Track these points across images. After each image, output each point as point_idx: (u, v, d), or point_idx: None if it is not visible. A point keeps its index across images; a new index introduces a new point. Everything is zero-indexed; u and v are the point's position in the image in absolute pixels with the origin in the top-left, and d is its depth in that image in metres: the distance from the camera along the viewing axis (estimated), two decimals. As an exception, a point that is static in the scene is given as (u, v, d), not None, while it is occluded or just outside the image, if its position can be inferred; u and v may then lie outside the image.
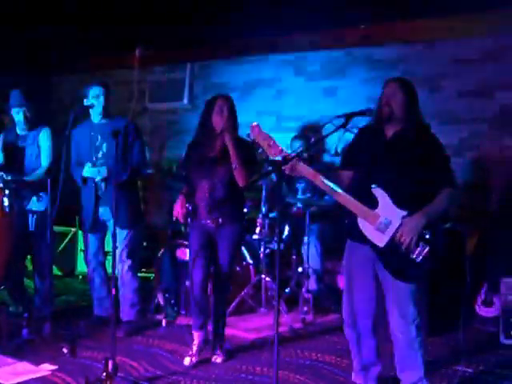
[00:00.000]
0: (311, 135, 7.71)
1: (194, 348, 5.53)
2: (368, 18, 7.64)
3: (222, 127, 5.31)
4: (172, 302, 6.78)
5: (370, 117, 4.46)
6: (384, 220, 4.36)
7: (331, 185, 4.41)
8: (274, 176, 6.52)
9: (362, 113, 4.35)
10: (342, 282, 7.46)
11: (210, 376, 5.22)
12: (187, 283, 6.48)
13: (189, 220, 5.56)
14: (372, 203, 4.39)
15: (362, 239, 4.46)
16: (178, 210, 5.56)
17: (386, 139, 4.52)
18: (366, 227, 4.43)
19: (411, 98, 4.49)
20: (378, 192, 4.38)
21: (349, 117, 4.29)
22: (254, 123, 4.46)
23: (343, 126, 4.29)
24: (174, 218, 5.66)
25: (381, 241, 4.39)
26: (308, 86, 8.52)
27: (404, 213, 4.32)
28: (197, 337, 5.56)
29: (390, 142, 4.50)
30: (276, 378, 4.07)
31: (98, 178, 6.09)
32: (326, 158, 8.06)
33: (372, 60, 8.02)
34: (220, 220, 5.38)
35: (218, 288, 5.54)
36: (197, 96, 9.31)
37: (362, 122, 4.64)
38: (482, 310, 6.49)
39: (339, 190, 4.41)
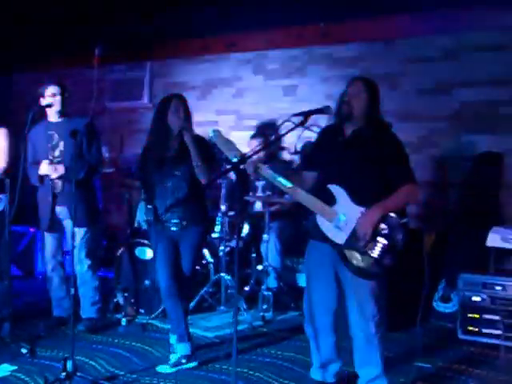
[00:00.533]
0: (270, 133, 7.72)
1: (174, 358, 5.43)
2: (328, 16, 7.66)
3: (180, 127, 5.28)
4: (132, 301, 6.75)
5: (329, 115, 4.46)
6: (342, 217, 4.39)
7: (289, 184, 4.44)
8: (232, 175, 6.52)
9: (320, 111, 4.35)
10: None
11: (170, 374, 5.20)
12: (146, 282, 6.47)
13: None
14: (331, 201, 4.41)
15: (322, 237, 4.48)
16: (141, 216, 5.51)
17: (344, 138, 4.54)
18: (325, 225, 4.45)
19: (374, 98, 4.51)
20: (336, 190, 4.40)
21: (307, 115, 4.29)
22: (215, 129, 4.50)
23: (301, 123, 4.30)
24: (137, 224, 5.61)
25: (340, 238, 4.41)
26: (267, 84, 8.53)
27: (362, 209, 4.35)
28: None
29: (348, 141, 4.51)
30: (235, 376, 4.07)
31: (54, 176, 6.04)
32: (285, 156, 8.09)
33: (332, 58, 8.05)
34: (184, 222, 5.34)
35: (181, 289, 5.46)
36: (156, 95, 9.25)
37: (321, 120, 4.66)
38: (440, 306, 6.55)
39: (298, 189, 4.44)
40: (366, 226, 4.30)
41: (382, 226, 4.31)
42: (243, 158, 4.21)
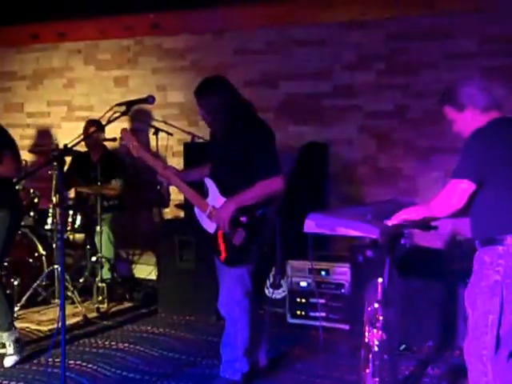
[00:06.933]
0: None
1: None
2: (158, 7, 7.68)
3: None
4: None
5: (152, 104, 4.52)
6: (212, 208, 4.58)
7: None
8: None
9: (143, 100, 4.42)
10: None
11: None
12: None
13: None
14: (206, 193, 4.66)
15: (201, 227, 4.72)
16: None
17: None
18: (200, 215, 4.68)
19: (215, 108, 4.55)
20: (208, 182, 4.63)
21: (129, 104, 4.34)
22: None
23: (125, 113, 4.35)
24: None
25: (211, 228, 4.61)
26: (99, 75, 8.44)
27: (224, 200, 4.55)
28: None
29: (218, 139, 4.73)
30: (64, 368, 4.06)
31: None
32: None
33: (162, 49, 8.06)
34: None
35: None
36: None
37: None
38: (271, 293, 6.74)
39: (179, 181, 4.74)
40: (220, 217, 4.47)
41: (243, 217, 4.46)
42: (65, 148, 4.19)
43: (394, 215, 3.83)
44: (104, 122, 4.49)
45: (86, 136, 6.88)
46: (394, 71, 6.94)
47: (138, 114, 7.73)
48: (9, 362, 5.31)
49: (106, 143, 7.47)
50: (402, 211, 3.85)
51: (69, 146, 4.21)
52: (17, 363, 5.30)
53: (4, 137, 5.33)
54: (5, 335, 5.33)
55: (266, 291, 6.74)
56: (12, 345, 5.34)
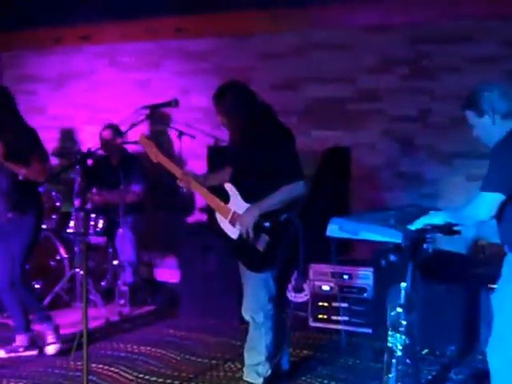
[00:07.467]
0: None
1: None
2: (182, 10, 7.70)
3: None
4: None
5: (176, 107, 4.53)
6: (234, 214, 4.57)
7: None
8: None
9: (167, 104, 4.45)
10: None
11: (22, 373, 5.14)
12: None
13: None
14: (227, 198, 4.64)
15: (221, 232, 4.70)
16: None
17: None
18: (222, 221, 4.67)
19: (230, 114, 4.58)
20: (229, 187, 4.61)
21: (153, 108, 4.36)
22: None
23: (149, 116, 4.36)
24: None
25: (233, 233, 4.60)
26: (122, 78, 8.46)
27: (247, 206, 4.52)
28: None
29: (238, 144, 4.72)
30: (86, 371, 4.08)
31: None
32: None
33: (185, 52, 8.08)
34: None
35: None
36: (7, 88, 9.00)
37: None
38: (294, 297, 6.72)
39: (199, 186, 4.76)
40: (244, 224, 4.46)
41: (266, 223, 4.45)
42: (88, 152, 4.21)
43: (418, 220, 3.82)
44: (127, 125, 4.50)
45: (104, 144, 6.93)
46: (418, 75, 6.93)
47: (161, 117, 7.75)
48: (52, 350, 5.53)
49: (127, 146, 7.46)
50: (426, 216, 3.84)
51: (92, 151, 4.22)
52: (58, 352, 5.51)
53: (32, 139, 5.38)
54: (44, 325, 5.51)
55: (288, 295, 6.73)
56: (53, 333, 5.53)
